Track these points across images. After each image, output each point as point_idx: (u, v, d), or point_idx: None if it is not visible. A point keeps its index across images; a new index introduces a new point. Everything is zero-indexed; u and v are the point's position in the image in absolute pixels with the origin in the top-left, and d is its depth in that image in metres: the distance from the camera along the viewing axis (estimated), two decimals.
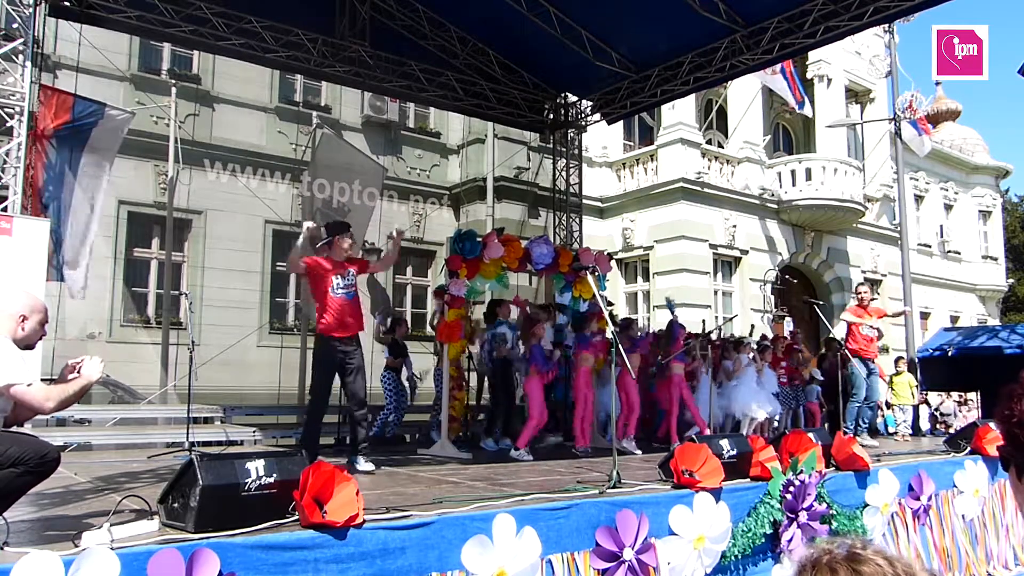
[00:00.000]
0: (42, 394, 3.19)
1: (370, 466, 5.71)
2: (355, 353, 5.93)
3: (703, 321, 11.88)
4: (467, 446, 7.69)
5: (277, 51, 9.27)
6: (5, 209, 6.95)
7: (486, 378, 8.98)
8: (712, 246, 16.33)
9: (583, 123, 12.13)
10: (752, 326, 11.74)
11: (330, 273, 5.86)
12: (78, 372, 3.36)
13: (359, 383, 5.90)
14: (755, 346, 9.78)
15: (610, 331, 5.48)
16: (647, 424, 8.89)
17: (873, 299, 9.42)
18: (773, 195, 17.58)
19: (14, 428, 3.39)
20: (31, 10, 7.33)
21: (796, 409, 10.25)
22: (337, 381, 6.06)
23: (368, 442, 5.98)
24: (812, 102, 18.10)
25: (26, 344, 3.33)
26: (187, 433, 6.92)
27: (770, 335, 11.49)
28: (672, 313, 9.04)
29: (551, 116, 12.11)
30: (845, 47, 18.44)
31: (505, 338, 8.08)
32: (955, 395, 17.02)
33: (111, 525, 2.95)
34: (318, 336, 6.00)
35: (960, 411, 16.47)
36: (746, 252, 16.92)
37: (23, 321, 3.30)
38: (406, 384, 9.12)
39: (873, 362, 8.92)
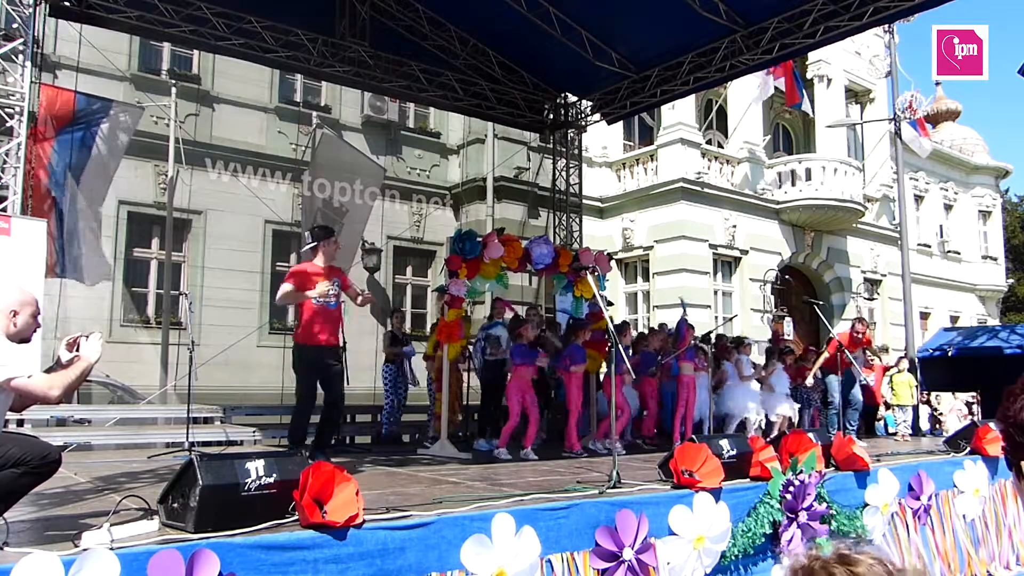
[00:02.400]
0: (45, 383, 3.17)
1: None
2: (335, 363, 5.87)
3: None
4: (463, 446, 7.68)
5: (277, 51, 9.27)
6: (4, 209, 6.96)
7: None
8: (712, 246, 16.33)
9: (583, 123, 12.13)
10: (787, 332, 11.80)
11: (314, 278, 5.75)
12: (77, 350, 3.32)
13: (337, 386, 5.85)
14: (753, 347, 9.78)
15: (610, 331, 5.47)
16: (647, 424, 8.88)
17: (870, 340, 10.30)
18: (773, 195, 17.59)
19: (14, 428, 3.38)
20: (31, 10, 7.34)
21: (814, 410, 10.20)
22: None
23: (329, 447, 5.83)
24: (812, 102, 18.10)
25: (20, 338, 3.29)
26: (187, 433, 6.93)
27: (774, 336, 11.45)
28: (684, 312, 9.09)
29: (551, 116, 12.11)
30: (845, 47, 18.43)
31: (499, 340, 8.08)
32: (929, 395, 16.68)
33: (111, 525, 2.94)
34: (296, 346, 5.88)
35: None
36: (746, 252, 16.92)
37: (14, 316, 3.27)
38: (408, 374, 9.09)
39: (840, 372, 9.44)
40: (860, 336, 9.78)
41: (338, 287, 5.86)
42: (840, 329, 10.66)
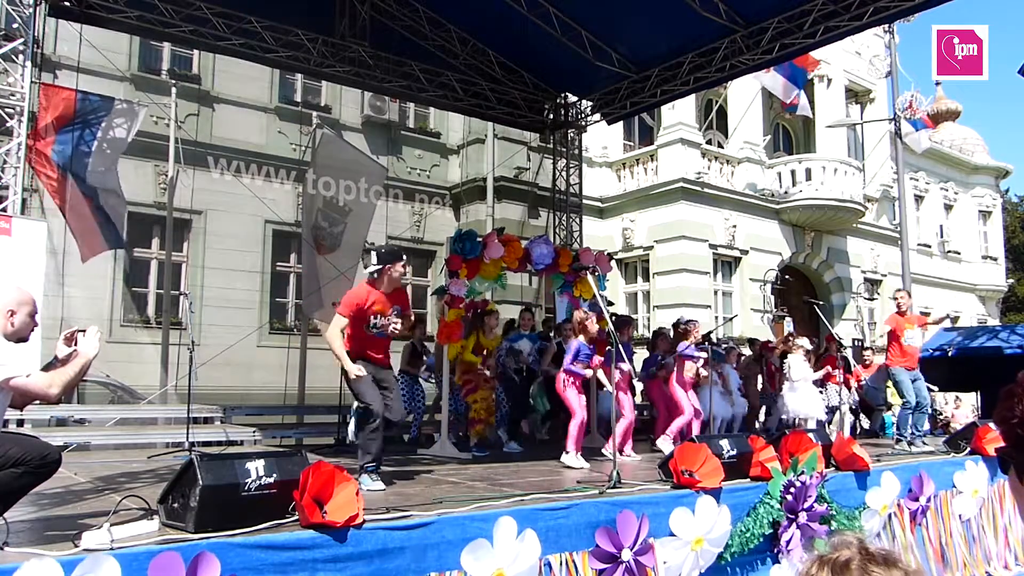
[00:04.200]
0: (44, 381, 3.16)
1: (378, 485, 4.92)
2: (386, 374, 5.37)
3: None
4: (485, 448, 7.52)
5: (277, 51, 9.28)
6: (5, 209, 6.96)
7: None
8: (712, 246, 16.33)
9: (583, 123, 12.14)
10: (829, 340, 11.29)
11: (375, 308, 5.22)
12: (75, 345, 3.32)
13: (395, 403, 5.32)
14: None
15: (609, 331, 5.47)
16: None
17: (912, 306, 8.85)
18: (773, 195, 17.59)
19: (14, 428, 3.38)
20: (31, 10, 7.35)
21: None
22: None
23: (379, 462, 5.16)
24: (812, 102, 18.10)
25: (18, 338, 3.29)
26: (187, 433, 6.92)
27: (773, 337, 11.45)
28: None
29: (551, 116, 12.11)
30: (845, 47, 18.43)
31: (521, 354, 8.13)
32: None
33: (111, 525, 2.94)
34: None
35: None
36: (746, 252, 16.92)
37: (11, 316, 3.26)
38: (423, 384, 8.93)
39: (915, 370, 8.53)
40: (902, 306, 8.54)
41: (397, 313, 5.29)
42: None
